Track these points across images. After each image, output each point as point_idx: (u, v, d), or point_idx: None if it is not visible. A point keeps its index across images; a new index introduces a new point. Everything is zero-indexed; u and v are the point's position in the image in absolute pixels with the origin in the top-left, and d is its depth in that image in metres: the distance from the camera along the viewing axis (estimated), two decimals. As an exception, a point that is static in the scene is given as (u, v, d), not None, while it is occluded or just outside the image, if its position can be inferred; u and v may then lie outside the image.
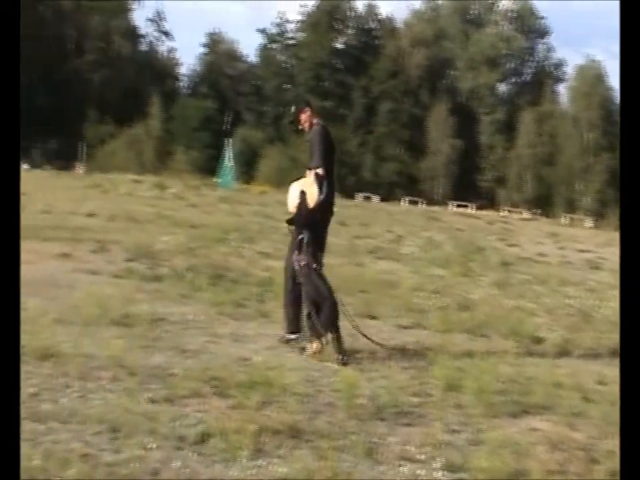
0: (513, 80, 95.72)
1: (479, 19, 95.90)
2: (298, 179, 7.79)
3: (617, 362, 5.92)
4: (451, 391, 6.25)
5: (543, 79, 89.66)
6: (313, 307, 7.29)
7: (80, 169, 56.70)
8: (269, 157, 72.48)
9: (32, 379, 5.56)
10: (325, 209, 7.57)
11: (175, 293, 9.71)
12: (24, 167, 52.77)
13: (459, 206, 66.54)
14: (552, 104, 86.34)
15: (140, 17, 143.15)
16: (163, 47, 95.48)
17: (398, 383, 6.22)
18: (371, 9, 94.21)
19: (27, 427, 4.59)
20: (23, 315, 7.19)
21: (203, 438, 4.73)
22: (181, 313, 8.51)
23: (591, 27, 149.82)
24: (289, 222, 7.64)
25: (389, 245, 19.50)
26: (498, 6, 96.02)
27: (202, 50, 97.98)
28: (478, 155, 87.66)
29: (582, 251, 25.45)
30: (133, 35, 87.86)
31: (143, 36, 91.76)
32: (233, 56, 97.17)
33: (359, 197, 63.08)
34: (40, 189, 26.56)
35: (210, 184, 45.13)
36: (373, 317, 9.50)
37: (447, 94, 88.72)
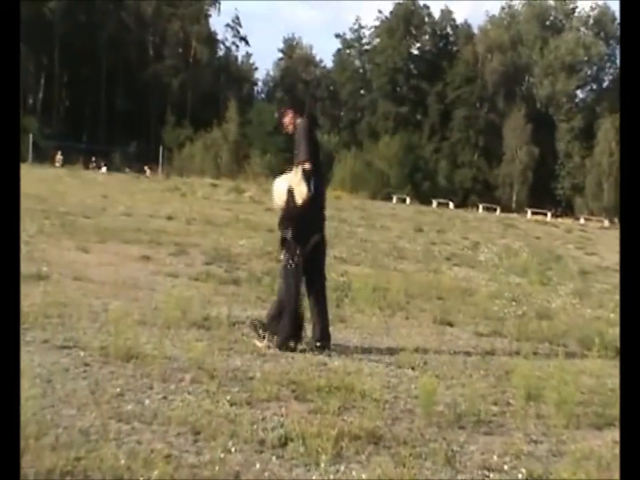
0: (592, 86, 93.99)
1: (557, 25, 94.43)
2: (283, 173, 7.61)
3: None
4: (530, 400, 6.15)
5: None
6: (280, 305, 7.29)
7: (155, 172, 57.47)
8: (343, 162, 72.34)
9: (116, 379, 5.66)
10: (316, 204, 7.35)
11: (253, 296, 9.76)
12: (103, 170, 53.93)
13: (535, 213, 65.47)
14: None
15: (218, 23, 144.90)
16: (240, 52, 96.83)
17: (477, 391, 6.14)
18: (447, 15, 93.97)
19: (112, 427, 4.67)
20: (106, 316, 7.42)
21: (283, 442, 4.74)
22: (259, 316, 8.55)
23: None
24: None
25: (465, 252, 19.30)
26: (577, 12, 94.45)
27: (278, 55, 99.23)
28: (555, 162, 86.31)
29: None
30: (210, 40, 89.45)
31: (220, 41, 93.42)
32: (309, 61, 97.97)
33: (434, 203, 62.59)
34: (120, 191, 27.13)
35: (285, 188, 45.27)
36: (450, 324, 9.42)
37: (524, 100, 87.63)
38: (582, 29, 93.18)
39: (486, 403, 5.99)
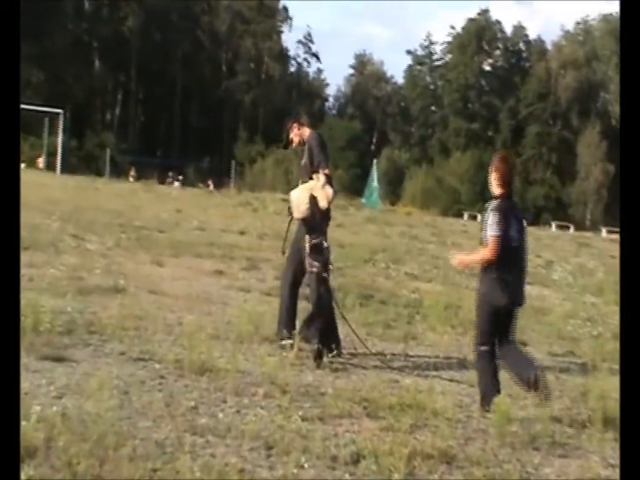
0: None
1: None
2: (296, 186, 7.80)
3: None
4: (608, 424, 6.02)
5: None
6: (313, 313, 7.36)
7: (226, 186, 57.74)
8: (414, 178, 72.04)
9: (190, 392, 5.74)
10: (325, 214, 7.57)
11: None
12: (176, 185, 54.62)
13: (610, 232, 64.11)
14: None
15: (289, 40, 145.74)
16: (311, 68, 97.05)
17: (552, 411, 6.04)
18: (520, 30, 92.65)
19: (187, 440, 4.72)
20: (180, 329, 7.53)
21: (355, 459, 4.74)
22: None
23: None
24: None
25: (538, 270, 18.94)
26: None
27: (349, 71, 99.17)
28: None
29: None
30: (282, 56, 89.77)
31: (292, 58, 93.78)
32: (380, 77, 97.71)
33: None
34: (194, 206, 27.44)
35: (356, 204, 45.19)
36: (524, 344, 9.26)
37: (599, 117, 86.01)
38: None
39: (561, 425, 5.90)
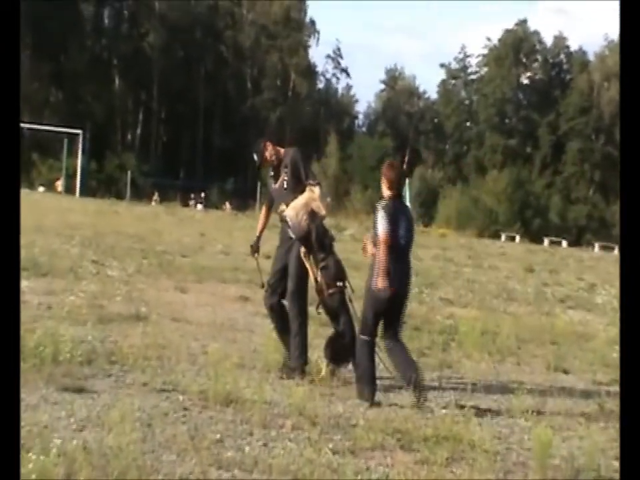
0: None
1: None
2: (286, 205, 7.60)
3: None
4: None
5: None
6: (335, 334, 7.31)
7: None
8: (449, 198, 71.38)
9: (215, 424, 5.57)
10: (325, 229, 7.56)
11: (356, 340, 9.55)
12: (199, 207, 54.54)
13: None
14: None
15: (317, 55, 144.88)
16: (340, 84, 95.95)
17: (596, 444, 5.74)
18: (560, 41, 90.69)
19: (212, 474, 4.59)
20: (205, 358, 7.36)
21: (389, 494, 4.55)
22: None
23: None
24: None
25: (580, 294, 18.62)
26: None
27: (380, 86, 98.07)
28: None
29: None
30: (310, 72, 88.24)
31: (320, 73, 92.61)
32: (412, 92, 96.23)
33: (546, 241, 61.12)
34: (218, 229, 27.42)
35: (387, 226, 44.82)
36: (565, 371, 9.00)
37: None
38: None
39: (606, 458, 5.60)
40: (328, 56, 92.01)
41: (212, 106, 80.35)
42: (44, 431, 4.92)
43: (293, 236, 7.42)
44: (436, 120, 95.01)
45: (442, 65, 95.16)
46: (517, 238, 59.61)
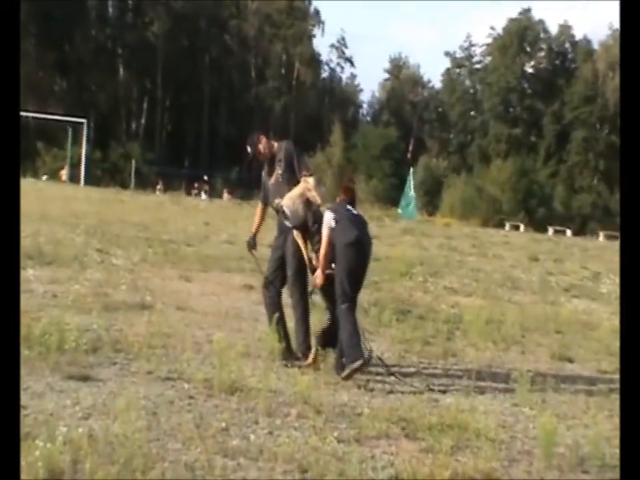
0: None
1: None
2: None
3: None
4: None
5: None
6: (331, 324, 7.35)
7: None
8: (453, 187, 70.87)
9: (220, 413, 5.57)
10: (320, 218, 7.50)
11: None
12: (203, 196, 54.45)
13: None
14: None
15: (322, 44, 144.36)
16: (345, 73, 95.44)
17: (601, 432, 5.73)
18: (565, 30, 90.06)
19: (217, 463, 4.57)
20: (210, 347, 7.36)
21: (394, 482, 4.53)
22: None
23: None
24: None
25: (585, 283, 18.57)
26: None
27: (384, 75, 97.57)
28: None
29: None
30: (314, 61, 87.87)
31: (324, 63, 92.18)
32: (416, 81, 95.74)
33: (550, 230, 61.00)
34: (222, 218, 27.37)
35: (392, 215, 44.82)
36: (570, 360, 8.98)
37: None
38: None
39: (611, 446, 5.56)
40: (332, 45, 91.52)
41: (216, 95, 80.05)
42: (50, 418, 4.93)
43: (289, 224, 7.41)
44: (440, 109, 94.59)
45: (446, 54, 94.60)
46: (522, 227, 59.42)
